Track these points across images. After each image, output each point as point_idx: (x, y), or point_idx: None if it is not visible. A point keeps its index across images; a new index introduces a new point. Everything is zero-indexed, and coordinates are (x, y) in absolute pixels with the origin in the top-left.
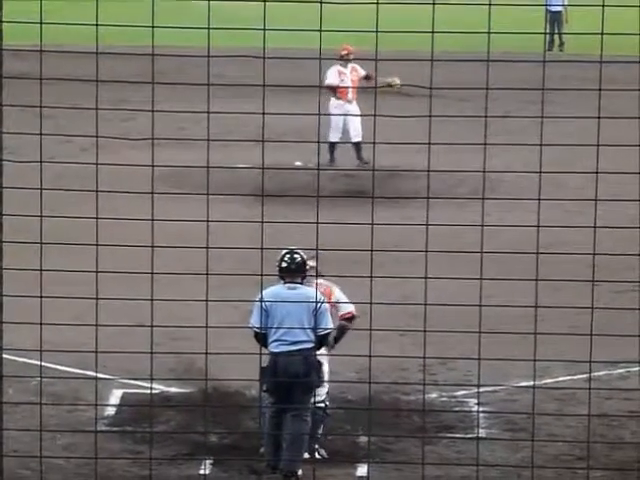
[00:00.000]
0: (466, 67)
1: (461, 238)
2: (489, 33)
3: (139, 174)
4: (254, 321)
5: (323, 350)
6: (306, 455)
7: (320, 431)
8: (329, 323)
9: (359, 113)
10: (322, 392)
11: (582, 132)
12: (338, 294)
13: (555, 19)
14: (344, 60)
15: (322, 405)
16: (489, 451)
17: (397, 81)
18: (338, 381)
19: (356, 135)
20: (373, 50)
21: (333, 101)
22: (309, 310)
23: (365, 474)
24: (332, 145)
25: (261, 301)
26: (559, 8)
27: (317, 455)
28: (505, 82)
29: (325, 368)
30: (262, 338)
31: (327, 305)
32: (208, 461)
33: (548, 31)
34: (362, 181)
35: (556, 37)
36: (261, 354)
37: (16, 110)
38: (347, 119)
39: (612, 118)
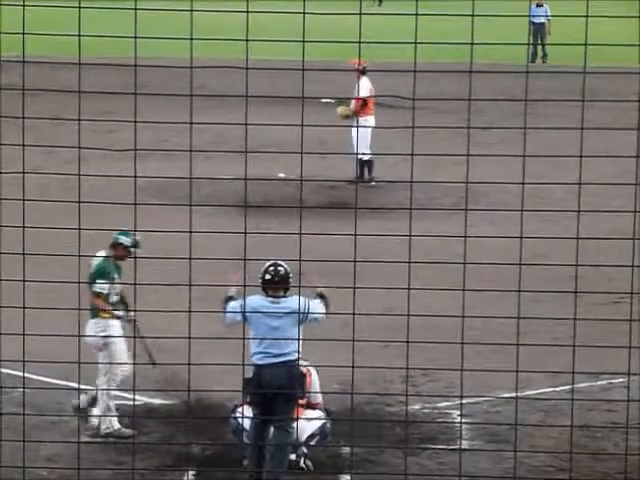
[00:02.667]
0: (449, 79)
1: (444, 249)
2: (472, 44)
3: (122, 186)
4: (230, 313)
5: (303, 362)
6: (292, 456)
7: (319, 440)
8: (320, 309)
9: (356, 128)
10: (318, 398)
11: (565, 144)
12: (315, 380)
13: (538, 31)
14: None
15: (325, 414)
16: (472, 462)
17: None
18: (321, 392)
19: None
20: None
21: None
22: (294, 322)
23: None
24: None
25: (243, 312)
26: (542, 20)
27: (302, 464)
28: (488, 93)
29: (315, 379)
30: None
31: (313, 312)
32: (191, 472)
33: (532, 42)
34: (345, 192)
35: (539, 49)
36: (244, 365)
37: None
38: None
39: (596, 129)
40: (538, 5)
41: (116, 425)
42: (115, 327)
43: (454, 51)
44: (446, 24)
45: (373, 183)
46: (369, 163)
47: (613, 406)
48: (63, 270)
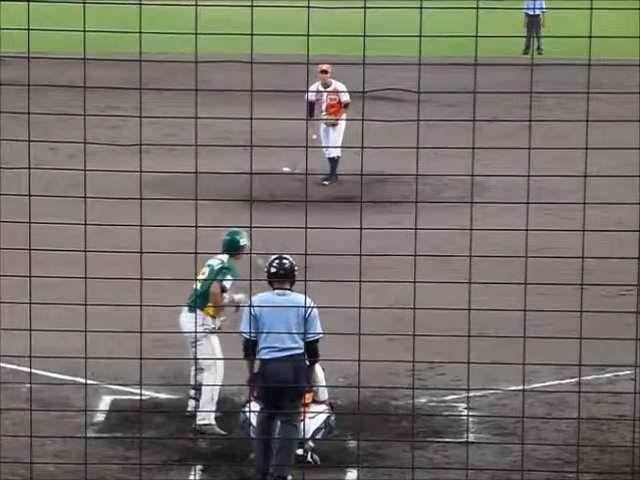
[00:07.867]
0: (454, 72)
1: (450, 243)
2: (477, 37)
3: (127, 181)
4: (243, 327)
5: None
6: (299, 451)
7: (325, 433)
8: (318, 329)
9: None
10: (325, 395)
11: (569, 136)
12: (320, 378)
13: (533, 23)
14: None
15: (329, 412)
16: (478, 455)
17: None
18: (327, 386)
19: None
20: (361, 55)
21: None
22: (299, 316)
23: (355, 479)
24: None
25: (250, 306)
26: (537, 12)
27: (309, 458)
28: (487, 87)
29: (320, 375)
30: (251, 345)
31: (317, 311)
32: (198, 467)
33: (525, 35)
34: (350, 186)
35: (534, 41)
36: (252, 359)
37: (3, 117)
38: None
39: (602, 121)
40: None
41: (212, 420)
42: (210, 322)
43: (446, 45)
44: (438, 18)
45: (326, 183)
46: (336, 161)
47: (620, 399)
48: (71, 265)
